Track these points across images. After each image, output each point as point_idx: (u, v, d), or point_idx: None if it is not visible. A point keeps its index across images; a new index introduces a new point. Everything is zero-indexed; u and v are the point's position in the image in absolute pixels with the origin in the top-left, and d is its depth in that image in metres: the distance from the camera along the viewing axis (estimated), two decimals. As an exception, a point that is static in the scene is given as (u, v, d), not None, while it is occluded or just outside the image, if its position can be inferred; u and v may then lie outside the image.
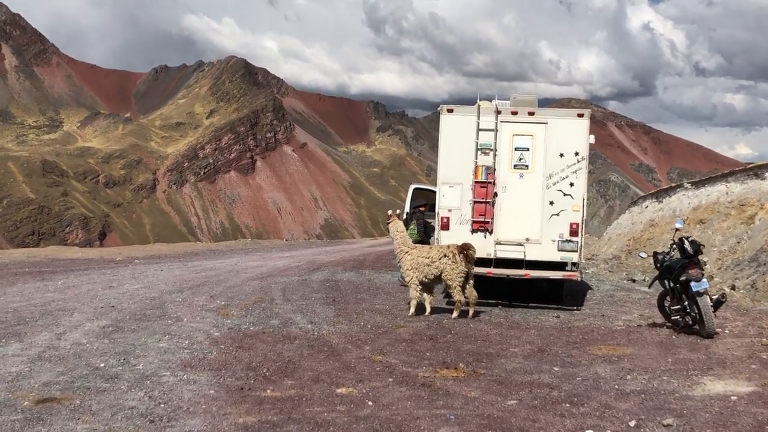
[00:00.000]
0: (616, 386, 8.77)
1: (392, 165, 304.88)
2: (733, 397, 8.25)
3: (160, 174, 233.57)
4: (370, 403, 7.96)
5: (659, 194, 32.03)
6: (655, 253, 13.35)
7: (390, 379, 8.88)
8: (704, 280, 11.93)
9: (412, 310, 13.60)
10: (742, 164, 28.61)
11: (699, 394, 8.41)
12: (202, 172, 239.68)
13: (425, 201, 18.89)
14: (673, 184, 30.99)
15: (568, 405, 7.97)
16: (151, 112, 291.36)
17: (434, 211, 17.79)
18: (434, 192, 19.61)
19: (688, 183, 29.65)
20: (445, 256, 13.45)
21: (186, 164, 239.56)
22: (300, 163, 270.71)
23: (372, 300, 15.38)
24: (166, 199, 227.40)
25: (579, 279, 15.16)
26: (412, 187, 20.44)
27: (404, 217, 17.23)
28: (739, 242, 24.73)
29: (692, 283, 11.92)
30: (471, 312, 13.39)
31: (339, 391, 8.37)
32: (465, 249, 13.47)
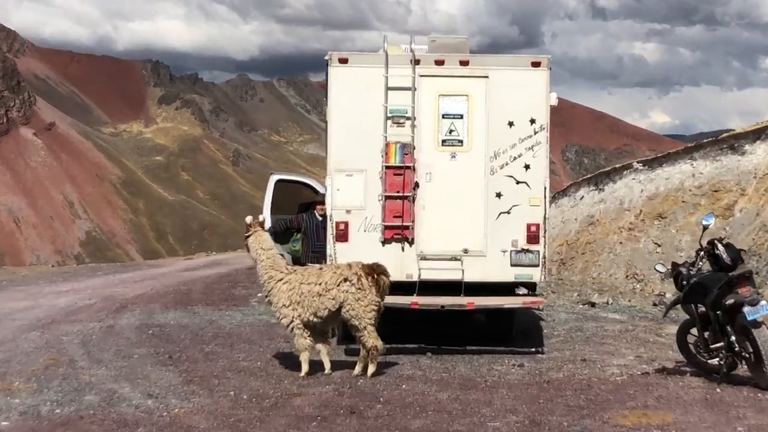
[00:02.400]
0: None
1: (183, 151, 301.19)
2: None
3: None
4: None
5: (599, 180, 32.46)
6: (675, 265, 12.93)
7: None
8: (763, 302, 11.52)
9: (305, 368, 13.11)
10: (659, 136, 29.28)
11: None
12: None
13: (306, 199, 17.93)
14: (618, 165, 31.44)
15: None
16: None
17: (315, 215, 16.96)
18: (310, 186, 18.76)
19: (638, 163, 30.09)
20: (345, 280, 12.88)
21: None
22: (47, 152, 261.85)
23: (230, 354, 15.02)
24: None
25: (541, 308, 15.36)
26: (274, 178, 19.46)
27: (268, 226, 16.17)
28: (714, 243, 25.02)
29: (746, 309, 11.53)
30: (370, 369, 12.94)
31: None
32: (375, 270, 13.02)
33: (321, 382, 12.63)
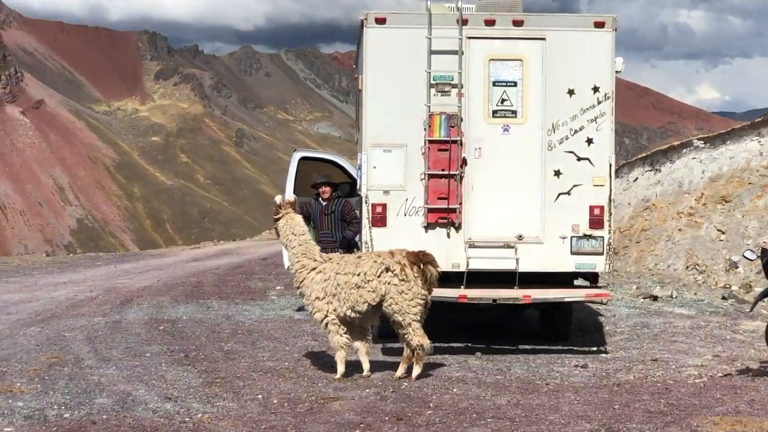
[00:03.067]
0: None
1: (182, 130, 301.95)
2: None
3: None
4: None
5: (655, 159, 32.01)
6: (765, 251, 12.54)
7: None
8: None
9: (341, 369, 12.91)
10: (707, 113, 28.86)
11: None
12: None
13: (337, 179, 17.67)
14: (676, 143, 30.91)
15: None
16: None
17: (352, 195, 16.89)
18: (338, 165, 18.55)
19: (699, 140, 29.60)
20: (387, 270, 12.63)
21: None
22: (35, 133, 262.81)
23: (252, 352, 14.91)
24: None
25: (605, 301, 15.54)
26: (298, 156, 19.12)
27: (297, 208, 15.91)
28: (786, 230, 24.74)
29: None
30: (416, 371, 12.76)
31: None
32: (422, 259, 12.74)
33: (360, 385, 12.44)
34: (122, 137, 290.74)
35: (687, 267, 26.36)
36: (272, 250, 35.52)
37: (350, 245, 16.63)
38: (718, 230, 26.40)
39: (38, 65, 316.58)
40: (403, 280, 12.52)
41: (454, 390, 12.08)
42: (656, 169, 31.69)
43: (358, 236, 15.39)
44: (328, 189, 16.72)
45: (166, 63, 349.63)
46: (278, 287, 23.23)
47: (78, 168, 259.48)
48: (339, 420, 10.53)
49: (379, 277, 12.58)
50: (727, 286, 23.33)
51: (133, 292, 23.31)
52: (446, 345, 14.81)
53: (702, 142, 29.47)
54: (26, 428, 10.28)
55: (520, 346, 15.30)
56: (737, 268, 24.71)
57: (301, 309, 18.50)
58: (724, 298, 20.78)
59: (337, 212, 16.64)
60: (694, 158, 29.34)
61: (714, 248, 25.71)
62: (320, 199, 16.79)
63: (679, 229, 27.79)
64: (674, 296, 20.98)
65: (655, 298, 20.62)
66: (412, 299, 12.52)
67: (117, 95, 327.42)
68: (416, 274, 12.55)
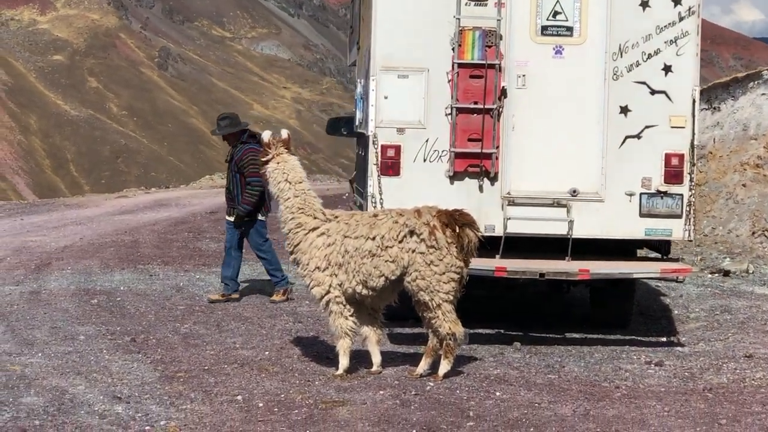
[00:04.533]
0: None
1: (91, 48, 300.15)
2: None
3: None
4: None
5: (712, 95, 31.57)
6: None
7: None
8: None
9: (344, 362, 12.67)
10: (747, 38, 28.50)
11: None
12: None
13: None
14: (740, 75, 30.54)
15: None
16: None
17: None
18: None
19: (767, 70, 29.18)
20: (412, 233, 12.33)
21: None
22: None
23: (219, 337, 14.85)
24: None
25: (681, 279, 15.35)
26: None
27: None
28: None
29: None
30: (444, 367, 12.49)
31: None
32: (457, 220, 12.46)
33: (370, 384, 12.19)
34: (15, 55, 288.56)
35: (753, 233, 26.09)
36: (220, 200, 35.29)
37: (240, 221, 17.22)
38: (794, 186, 26.25)
39: None
40: (432, 247, 12.20)
41: (497, 393, 11.83)
42: (714, 108, 31.35)
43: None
44: (229, 136, 17.35)
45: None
46: (238, 250, 22.87)
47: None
48: (352, 433, 10.40)
49: (400, 242, 12.26)
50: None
51: (51, 254, 23.28)
52: (472, 331, 14.35)
53: (772, 73, 29.14)
54: None
55: (568, 335, 15.21)
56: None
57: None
58: (814, 275, 20.51)
59: (233, 161, 17.09)
60: (763, 94, 29.01)
61: (790, 209, 25.56)
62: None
63: (743, 185, 27.53)
64: (750, 271, 20.79)
65: (726, 273, 20.44)
66: (443, 273, 12.21)
67: (10, 2, 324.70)
68: (450, 240, 12.22)
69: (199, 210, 31.97)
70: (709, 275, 20.70)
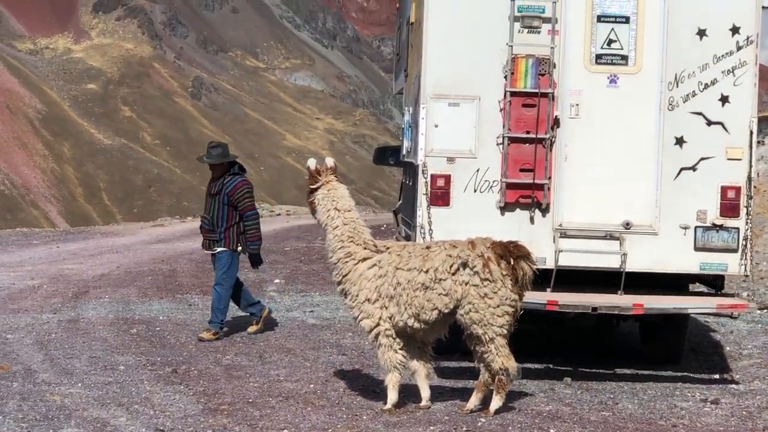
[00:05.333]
0: None
1: (125, 77, 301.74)
2: None
3: None
4: None
5: (761, 125, 31.34)
6: None
7: None
8: None
9: (392, 396, 12.39)
10: None
11: None
12: None
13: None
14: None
15: None
16: None
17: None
18: None
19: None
20: (465, 265, 12.09)
21: None
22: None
23: (262, 369, 14.64)
24: None
25: (737, 315, 15.12)
26: None
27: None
28: None
29: None
30: (495, 403, 12.23)
31: None
32: (512, 252, 12.23)
33: (419, 419, 11.94)
34: (50, 83, 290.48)
35: (800, 268, 25.87)
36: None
37: (258, 261, 16.96)
38: (840, 222, 25.99)
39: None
40: (486, 279, 11.97)
41: (551, 431, 11.64)
42: (759, 141, 31.11)
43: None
44: (217, 166, 16.65)
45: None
46: (276, 280, 22.83)
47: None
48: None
49: (454, 275, 12.02)
50: None
51: (88, 282, 23.20)
52: (519, 365, 14.16)
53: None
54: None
55: (618, 371, 14.90)
56: None
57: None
58: None
59: (223, 194, 16.40)
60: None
61: (834, 244, 25.30)
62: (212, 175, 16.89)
63: (781, 219, 27.39)
64: (803, 306, 20.23)
65: (770, 309, 20.15)
66: (498, 306, 11.97)
67: (45, 31, 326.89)
68: (505, 272, 12.00)
69: (237, 239, 31.89)
70: (758, 311, 20.15)
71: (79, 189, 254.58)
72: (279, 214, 47.95)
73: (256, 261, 16.78)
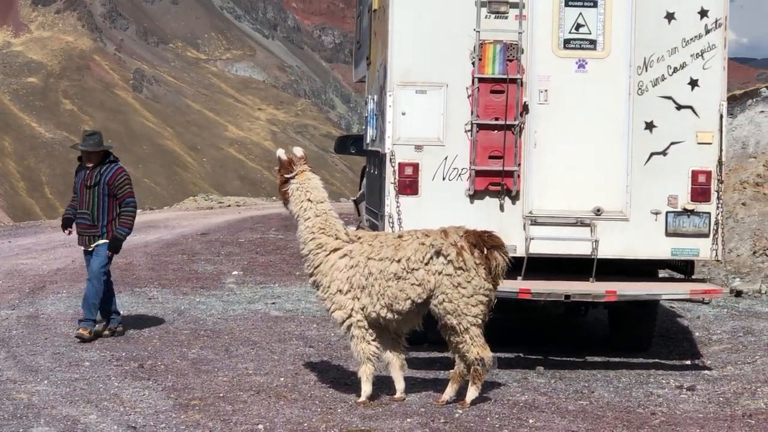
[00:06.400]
0: None
1: (66, 70, 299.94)
2: None
3: None
4: None
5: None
6: None
7: None
8: None
9: (366, 389, 12.24)
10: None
11: None
12: None
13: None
14: (738, 92, 30.26)
15: None
16: None
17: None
18: None
19: (766, 87, 28.88)
20: (438, 254, 11.96)
21: None
22: None
23: (230, 363, 14.42)
24: None
25: (708, 300, 15.63)
26: None
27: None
28: None
29: None
30: (471, 394, 12.11)
31: None
32: (486, 242, 12.10)
33: (395, 412, 11.76)
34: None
35: (754, 252, 25.77)
36: (211, 222, 35.07)
37: (119, 246, 15.94)
38: (795, 205, 25.93)
39: None
40: (460, 268, 11.83)
41: (530, 421, 11.45)
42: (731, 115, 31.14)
43: None
44: (93, 157, 15.62)
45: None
46: (234, 272, 22.48)
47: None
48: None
49: (427, 264, 11.89)
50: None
51: (44, 277, 22.87)
52: (494, 355, 14.06)
53: (771, 90, 28.88)
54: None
55: (589, 358, 14.84)
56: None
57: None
58: (824, 297, 20.10)
59: (102, 184, 15.51)
60: (762, 112, 28.75)
61: (790, 228, 25.21)
62: (85, 166, 15.81)
63: (743, 204, 27.21)
64: (763, 291, 20.38)
65: (738, 294, 20.04)
66: (471, 295, 11.83)
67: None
68: (478, 261, 11.85)
69: (190, 232, 31.31)
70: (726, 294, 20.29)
71: (21, 183, 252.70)
72: (229, 206, 47.56)
73: (116, 247, 15.86)
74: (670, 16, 13.93)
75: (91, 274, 15.53)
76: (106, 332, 15.62)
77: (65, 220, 15.84)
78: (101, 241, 15.51)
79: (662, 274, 15.24)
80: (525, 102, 14.01)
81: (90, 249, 15.58)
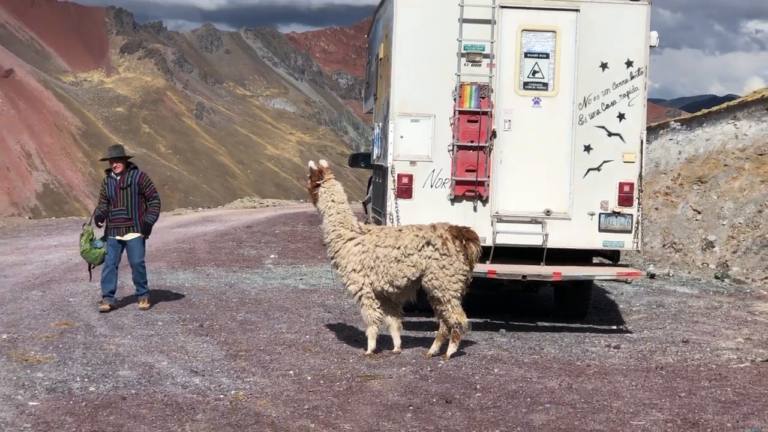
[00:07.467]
0: None
1: (145, 102, 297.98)
2: None
3: None
4: None
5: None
6: None
7: None
8: None
9: (371, 344, 12.05)
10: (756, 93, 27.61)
11: None
12: None
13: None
14: (653, 124, 29.94)
15: None
16: None
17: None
18: None
19: (676, 122, 28.66)
20: (428, 244, 11.74)
21: None
22: (4, 101, 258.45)
23: (268, 324, 13.95)
24: None
25: (631, 280, 15.28)
26: None
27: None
28: (760, 211, 23.98)
29: None
30: (451, 350, 11.91)
31: None
32: (464, 234, 11.90)
33: (393, 362, 11.59)
34: (88, 107, 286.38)
35: (664, 245, 25.52)
36: (254, 218, 34.43)
37: (150, 230, 15.24)
38: (694, 210, 25.59)
39: (8, 36, 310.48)
40: (444, 254, 11.62)
41: (495, 370, 11.27)
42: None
43: None
44: (120, 164, 14.94)
45: (131, 38, 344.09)
46: (272, 255, 21.94)
47: (45, 135, 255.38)
48: (384, 401, 9.76)
49: (420, 251, 11.68)
50: (704, 264, 22.49)
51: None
52: (470, 321, 13.75)
53: (679, 123, 28.60)
54: (52, 402, 9.49)
55: (540, 323, 14.50)
56: (713, 247, 23.95)
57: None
58: (717, 277, 19.77)
59: (134, 185, 14.92)
60: (671, 140, 28.45)
61: (690, 227, 24.95)
62: (113, 174, 15.03)
63: (656, 209, 26.93)
64: (671, 274, 19.99)
65: (652, 276, 19.66)
66: (453, 275, 11.62)
67: (84, 67, 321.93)
68: (458, 249, 11.64)
69: (238, 225, 30.69)
70: (647, 279, 19.79)
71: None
72: (267, 206, 46.92)
73: (148, 230, 15.16)
74: (604, 65, 13.63)
75: (139, 261, 14.95)
76: (107, 306, 14.62)
77: (97, 217, 15.06)
78: (136, 235, 14.83)
79: (596, 260, 14.89)
80: (494, 129, 13.68)
81: (124, 239, 14.81)
